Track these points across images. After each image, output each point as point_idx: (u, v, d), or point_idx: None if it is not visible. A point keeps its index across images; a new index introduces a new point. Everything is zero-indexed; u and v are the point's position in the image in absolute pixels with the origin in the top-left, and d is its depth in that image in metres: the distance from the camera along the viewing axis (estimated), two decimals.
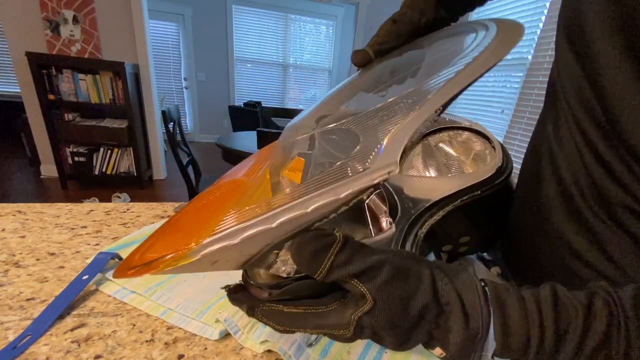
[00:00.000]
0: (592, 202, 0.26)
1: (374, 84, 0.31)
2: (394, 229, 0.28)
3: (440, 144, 0.40)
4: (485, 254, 0.44)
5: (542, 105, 0.36)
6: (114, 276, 0.22)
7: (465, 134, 0.40)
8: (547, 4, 2.12)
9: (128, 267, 0.21)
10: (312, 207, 0.18)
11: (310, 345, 0.28)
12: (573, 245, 0.28)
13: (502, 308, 0.19)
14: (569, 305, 0.19)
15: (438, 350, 0.21)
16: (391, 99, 0.23)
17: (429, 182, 0.31)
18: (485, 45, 0.23)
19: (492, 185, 0.32)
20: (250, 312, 0.21)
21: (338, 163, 0.21)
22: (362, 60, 0.34)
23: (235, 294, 0.23)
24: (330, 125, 0.26)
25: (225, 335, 0.30)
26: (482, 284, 0.21)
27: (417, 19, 0.36)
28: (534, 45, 2.33)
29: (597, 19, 0.23)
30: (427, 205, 0.29)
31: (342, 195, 0.19)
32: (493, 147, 0.38)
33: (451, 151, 0.39)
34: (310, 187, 0.20)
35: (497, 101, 2.72)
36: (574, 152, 0.27)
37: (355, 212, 0.28)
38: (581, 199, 0.27)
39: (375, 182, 0.19)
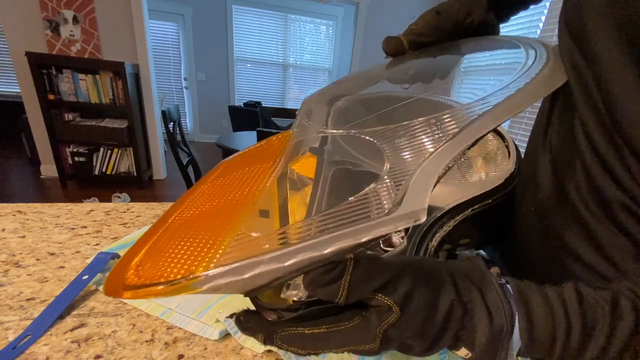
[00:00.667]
0: (590, 202, 0.26)
1: (401, 77, 0.30)
2: (405, 242, 0.26)
3: None
4: (484, 253, 0.44)
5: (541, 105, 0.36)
6: (106, 292, 0.20)
7: None
8: (547, 4, 2.12)
9: (122, 284, 0.19)
10: (329, 249, 0.17)
11: None
12: (571, 245, 0.28)
13: (526, 305, 0.19)
14: (594, 304, 0.18)
15: (464, 351, 0.20)
16: (422, 119, 0.22)
17: (440, 190, 0.30)
18: (539, 70, 0.22)
19: (504, 193, 0.31)
20: (269, 341, 0.20)
21: (361, 193, 0.20)
22: (395, 49, 0.32)
23: (247, 322, 0.21)
24: (352, 132, 0.25)
25: (225, 335, 0.30)
26: (503, 281, 0.20)
27: (463, 17, 0.32)
28: None
29: (598, 19, 0.23)
30: (438, 215, 0.28)
31: (363, 240, 0.18)
32: (507, 147, 0.37)
33: None
34: (328, 222, 0.19)
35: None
36: (574, 152, 0.27)
37: None
38: (579, 199, 0.26)
39: (399, 229, 0.18)
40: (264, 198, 0.24)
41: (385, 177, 0.20)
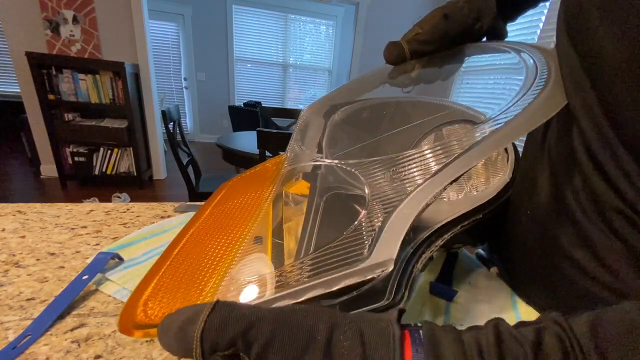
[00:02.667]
0: (587, 207, 0.25)
1: (402, 81, 0.30)
2: (390, 268, 0.24)
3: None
4: (484, 253, 0.44)
5: None
6: (120, 330, 0.21)
7: None
8: (547, 4, 2.13)
9: (133, 322, 0.21)
10: (304, 298, 0.19)
11: None
12: (567, 250, 0.28)
13: (436, 350, 0.16)
14: (514, 347, 0.16)
15: None
16: (410, 152, 0.23)
17: (430, 207, 0.29)
18: (535, 97, 0.22)
19: (496, 205, 0.29)
20: None
21: (344, 235, 0.21)
22: (397, 57, 0.30)
23: None
24: (341, 163, 0.26)
25: None
26: (417, 324, 0.18)
27: (472, 23, 0.30)
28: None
29: (598, 15, 0.22)
30: (425, 235, 0.25)
31: (334, 288, 0.19)
32: (506, 151, 0.35)
33: None
34: (303, 274, 0.20)
35: (497, 103, 2.72)
36: (572, 157, 0.26)
37: None
38: (575, 203, 0.26)
39: (368, 278, 0.19)
40: (259, 224, 0.25)
41: (366, 212, 0.22)
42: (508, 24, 0.38)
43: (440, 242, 0.26)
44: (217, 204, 0.30)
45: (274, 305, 0.18)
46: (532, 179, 0.31)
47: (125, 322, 0.21)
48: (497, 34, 0.34)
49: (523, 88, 0.25)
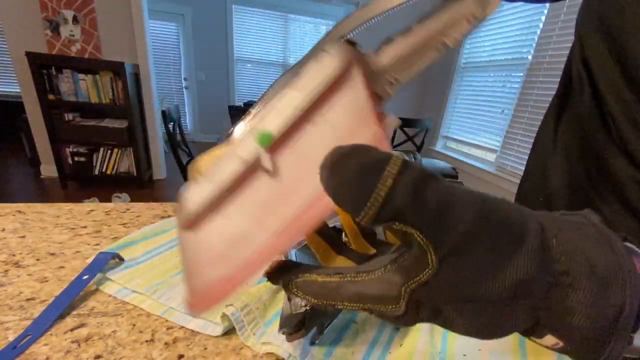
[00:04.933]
0: (600, 185, 0.26)
1: None
2: None
3: None
4: None
5: (542, 105, 0.37)
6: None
7: None
8: (547, 4, 2.13)
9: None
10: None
11: (313, 343, 0.28)
12: None
13: None
14: None
15: (550, 340, 0.14)
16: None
17: None
18: None
19: None
20: (287, 288, 0.17)
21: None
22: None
23: (273, 270, 0.18)
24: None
25: (226, 333, 0.30)
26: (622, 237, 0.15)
27: None
28: (534, 45, 2.32)
29: (637, 17, 0.23)
30: None
31: None
32: None
33: None
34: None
35: (497, 101, 2.72)
36: (586, 141, 0.28)
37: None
38: (588, 183, 0.27)
39: None
40: None
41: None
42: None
43: None
44: None
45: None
46: (544, 168, 0.33)
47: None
48: None
49: None
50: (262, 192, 0.18)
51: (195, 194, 0.17)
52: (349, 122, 0.18)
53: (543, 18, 2.20)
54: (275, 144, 0.17)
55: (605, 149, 0.26)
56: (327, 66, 0.18)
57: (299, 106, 0.17)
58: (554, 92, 0.36)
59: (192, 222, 0.17)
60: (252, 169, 0.18)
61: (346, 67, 0.18)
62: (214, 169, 0.18)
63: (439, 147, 3.51)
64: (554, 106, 0.35)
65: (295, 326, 0.25)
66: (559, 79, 0.35)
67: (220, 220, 0.18)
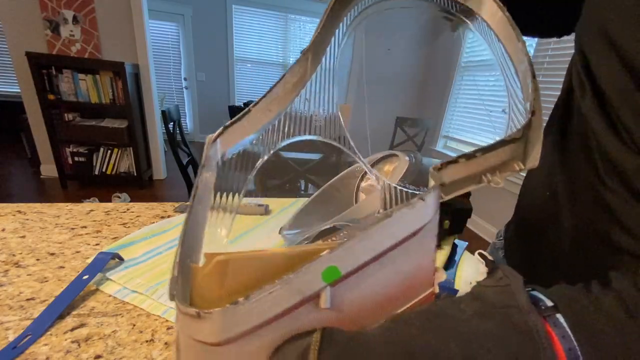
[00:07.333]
0: (606, 178, 0.26)
1: None
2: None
3: None
4: (485, 253, 0.44)
5: (542, 104, 0.37)
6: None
7: None
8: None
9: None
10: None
11: None
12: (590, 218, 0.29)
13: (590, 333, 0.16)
14: None
15: None
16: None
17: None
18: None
19: None
20: None
21: None
22: None
23: None
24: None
25: None
26: (546, 303, 0.18)
27: None
28: (534, 45, 2.32)
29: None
30: None
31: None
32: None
33: None
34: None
35: (497, 100, 2.72)
36: (589, 138, 0.28)
37: None
38: (593, 175, 0.27)
39: None
40: None
41: None
42: None
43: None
44: None
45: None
46: (550, 162, 0.33)
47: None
48: None
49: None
50: (303, 320, 0.17)
51: (236, 315, 0.15)
52: (411, 270, 0.18)
53: None
54: (335, 280, 0.17)
55: (610, 141, 0.26)
56: (420, 216, 0.18)
57: (376, 253, 0.17)
58: (554, 92, 0.36)
59: (225, 342, 0.16)
60: (305, 300, 0.17)
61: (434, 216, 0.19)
62: (260, 296, 0.15)
63: (439, 146, 3.50)
64: (558, 105, 0.35)
65: None
66: (558, 79, 0.35)
67: (255, 339, 0.17)
